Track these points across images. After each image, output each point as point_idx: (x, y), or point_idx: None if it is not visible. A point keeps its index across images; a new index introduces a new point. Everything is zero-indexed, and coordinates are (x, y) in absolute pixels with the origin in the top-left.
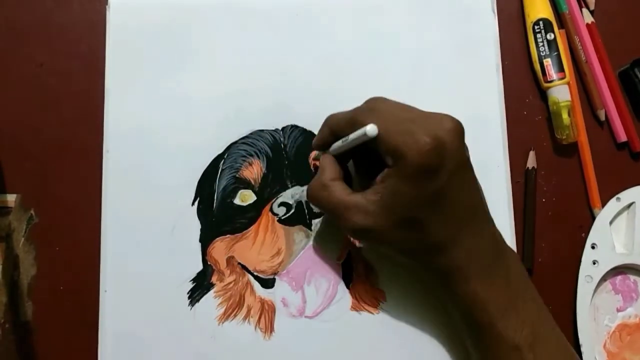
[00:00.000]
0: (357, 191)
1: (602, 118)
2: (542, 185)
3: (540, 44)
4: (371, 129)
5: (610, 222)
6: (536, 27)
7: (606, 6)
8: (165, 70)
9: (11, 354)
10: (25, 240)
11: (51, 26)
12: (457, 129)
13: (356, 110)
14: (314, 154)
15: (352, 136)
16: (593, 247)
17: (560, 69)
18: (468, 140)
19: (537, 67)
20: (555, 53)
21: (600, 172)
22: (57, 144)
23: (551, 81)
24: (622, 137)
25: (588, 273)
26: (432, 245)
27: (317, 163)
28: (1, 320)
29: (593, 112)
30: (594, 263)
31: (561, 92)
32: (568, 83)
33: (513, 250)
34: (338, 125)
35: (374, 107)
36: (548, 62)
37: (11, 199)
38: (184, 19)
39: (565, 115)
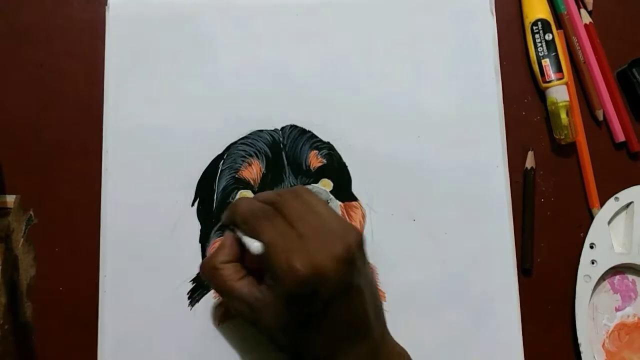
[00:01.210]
0: (247, 278)
1: (600, 118)
2: (541, 185)
3: (539, 44)
4: (255, 248)
5: (609, 222)
6: (534, 27)
7: (604, 7)
8: (164, 70)
9: (11, 355)
10: (24, 241)
11: (51, 26)
12: (345, 256)
13: (256, 210)
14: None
15: (243, 238)
16: (592, 247)
17: (559, 69)
18: (468, 141)
19: (536, 67)
20: (554, 53)
21: (598, 172)
22: (57, 144)
23: (549, 81)
24: (620, 137)
25: (587, 273)
26: (309, 357)
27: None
28: (0, 320)
29: (591, 112)
30: (593, 263)
31: (559, 93)
32: (566, 83)
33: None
34: (237, 218)
35: (273, 213)
36: (546, 62)
37: (10, 199)
38: (183, 19)
39: (563, 116)
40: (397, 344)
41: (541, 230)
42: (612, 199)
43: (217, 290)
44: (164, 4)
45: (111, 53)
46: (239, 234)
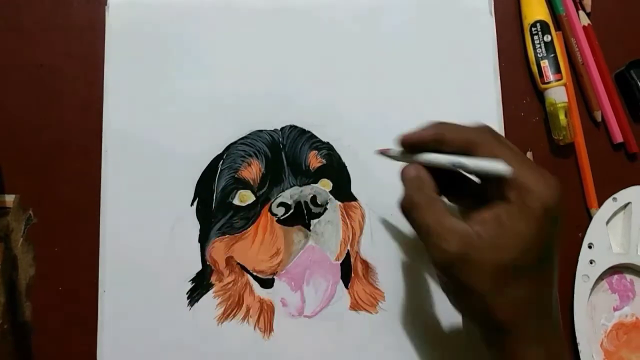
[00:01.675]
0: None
1: (599, 119)
2: None
3: (537, 45)
4: (505, 169)
5: (607, 222)
6: (533, 29)
7: (602, 8)
8: (164, 71)
9: (10, 355)
10: (23, 241)
11: (51, 26)
12: (560, 192)
13: (475, 132)
14: (384, 150)
15: (472, 163)
16: (590, 247)
17: (557, 70)
18: None
19: (534, 68)
20: (552, 55)
21: (596, 172)
22: (57, 144)
23: (548, 82)
24: (619, 138)
25: (585, 272)
26: (515, 301)
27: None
28: (0, 320)
29: (590, 113)
30: (591, 262)
31: (558, 94)
32: (565, 84)
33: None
34: (449, 137)
35: (497, 138)
36: (545, 63)
37: (10, 199)
38: (183, 19)
39: (562, 117)
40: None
41: None
42: (610, 200)
43: (424, 229)
44: (164, 5)
45: (111, 53)
46: (456, 162)
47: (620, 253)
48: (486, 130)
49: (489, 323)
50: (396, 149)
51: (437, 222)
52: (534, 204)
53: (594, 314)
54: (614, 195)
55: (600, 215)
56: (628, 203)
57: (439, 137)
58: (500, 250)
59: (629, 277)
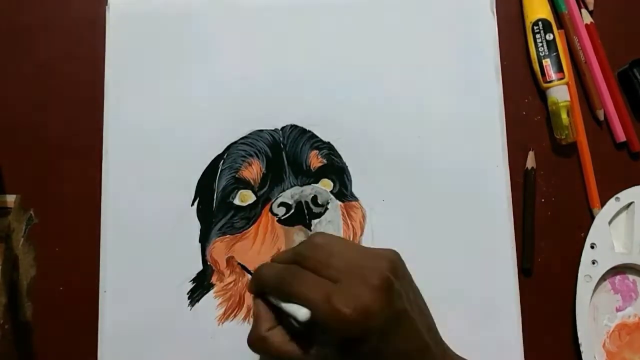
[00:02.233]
0: (294, 341)
1: (601, 118)
2: (542, 185)
3: (540, 44)
4: (303, 315)
5: (610, 222)
6: (535, 27)
7: (605, 7)
8: (165, 70)
9: (10, 355)
10: (24, 241)
11: (51, 26)
12: (383, 285)
13: (280, 274)
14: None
15: (285, 307)
16: (592, 247)
17: (560, 69)
18: (468, 141)
19: (537, 67)
20: (555, 53)
21: (599, 172)
22: (57, 144)
23: (550, 81)
24: (621, 137)
25: (587, 273)
26: None
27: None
28: (0, 320)
29: (592, 112)
30: (593, 263)
31: (560, 92)
32: (567, 83)
33: None
34: (264, 288)
35: (298, 268)
36: (547, 62)
37: (10, 199)
38: (183, 19)
39: (564, 116)
40: (457, 355)
41: (541, 230)
42: (612, 199)
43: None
44: (164, 4)
45: (111, 53)
46: (275, 302)
47: (623, 253)
48: (293, 262)
49: None
50: None
51: (279, 350)
52: (330, 335)
53: (596, 315)
54: (617, 195)
55: (603, 215)
56: (631, 203)
57: (257, 288)
58: None
59: (631, 277)
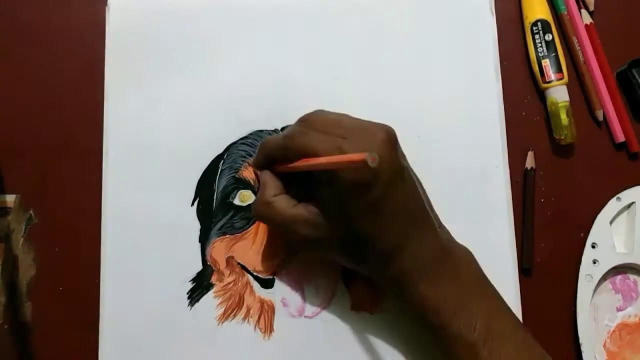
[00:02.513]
0: (300, 203)
1: (600, 118)
2: (541, 185)
3: (539, 44)
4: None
5: (611, 222)
6: (534, 28)
7: (605, 7)
8: (164, 71)
9: (10, 355)
10: (24, 241)
11: (51, 26)
12: (389, 140)
13: (288, 135)
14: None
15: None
16: (593, 247)
17: (559, 69)
18: (468, 141)
19: (536, 67)
20: (554, 54)
21: (598, 172)
22: (57, 144)
23: (549, 82)
24: (620, 137)
25: (588, 272)
26: (377, 255)
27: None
28: (0, 320)
29: (591, 112)
30: (594, 262)
31: (559, 93)
32: (566, 84)
33: (465, 248)
34: (272, 152)
35: (304, 129)
36: (546, 62)
37: (10, 199)
38: (183, 20)
39: (563, 116)
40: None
41: (541, 230)
42: (614, 199)
43: (275, 224)
44: (164, 4)
45: (111, 53)
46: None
47: (624, 253)
48: (299, 123)
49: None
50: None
51: (283, 214)
52: (337, 183)
53: (597, 315)
54: (618, 195)
55: (604, 214)
56: (632, 203)
57: (265, 156)
58: (333, 223)
59: (632, 277)
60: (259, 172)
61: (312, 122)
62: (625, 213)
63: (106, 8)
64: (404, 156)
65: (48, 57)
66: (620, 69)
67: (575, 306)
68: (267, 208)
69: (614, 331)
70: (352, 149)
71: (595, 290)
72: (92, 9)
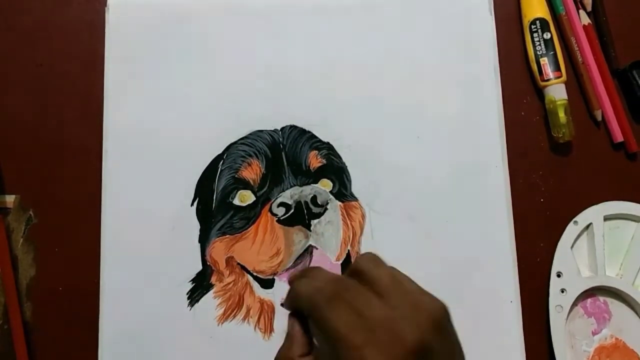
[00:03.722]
0: None
1: (599, 118)
2: (540, 185)
3: (537, 43)
4: None
5: (572, 247)
6: (533, 26)
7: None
8: (164, 71)
9: (10, 355)
10: (24, 241)
11: (51, 26)
12: (418, 348)
13: (308, 297)
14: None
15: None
16: (559, 276)
17: (557, 68)
18: (467, 141)
19: (534, 66)
20: (552, 52)
21: (596, 172)
22: (57, 144)
23: (548, 80)
24: (619, 137)
25: (558, 303)
26: None
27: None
28: (0, 320)
29: (590, 112)
30: (562, 291)
31: (557, 91)
32: (564, 82)
33: None
34: (301, 306)
35: (340, 301)
36: (545, 61)
37: (10, 199)
38: (183, 20)
39: (561, 114)
40: None
41: (541, 230)
42: (571, 224)
43: None
44: (164, 5)
45: (111, 53)
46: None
47: (590, 276)
48: (324, 291)
49: None
50: None
51: None
52: None
53: (574, 342)
54: (575, 219)
55: (564, 241)
56: (589, 224)
57: (292, 307)
58: None
59: (602, 298)
60: (289, 318)
61: (353, 295)
62: (584, 235)
63: (106, 8)
64: (443, 339)
65: (48, 57)
66: (621, 70)
67: (550, 337)
68: None
69: (592, 356)
70: (374, 349)
71: (567, 318)
72: (91, 10)
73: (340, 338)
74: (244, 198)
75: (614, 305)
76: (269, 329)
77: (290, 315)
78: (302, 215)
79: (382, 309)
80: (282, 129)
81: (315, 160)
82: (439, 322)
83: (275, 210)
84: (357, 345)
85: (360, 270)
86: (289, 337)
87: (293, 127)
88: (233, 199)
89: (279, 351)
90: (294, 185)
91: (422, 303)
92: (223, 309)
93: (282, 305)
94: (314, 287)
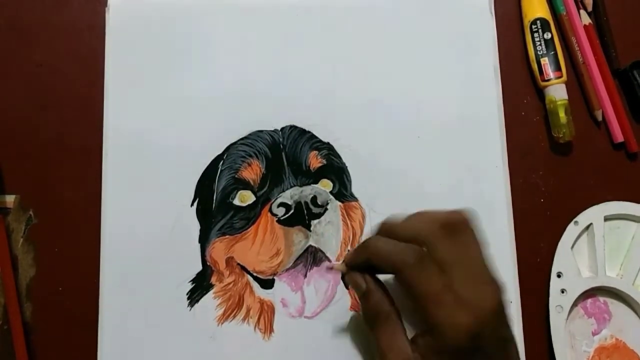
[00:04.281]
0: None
1: (600, 118)
2: (541, 185)
3: (538, 43)
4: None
5: (572, 247)
6: (533, 26)
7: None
8: (164, 71)
9: (10, 355)
10: (24, 241)
11: (51, 26)
12: (499, 309)
13: (402, 255)
14: (335, 264)
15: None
16: (559, 276)
17: (557, 68)
18: (467, 141)
19: (535, 66)
20: (553, 52)
21: (596, 172)
22: (57, 144)
23: (548, 80)
24: (619, 137)
25: (558, 303)
26: None
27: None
28: (0, 321)
29: (590, 112)
30: (563, 292)
31: (558, 91)
32: (565, 82)
33: None
34: (380, 260)
35: (421, 261)
36: (545, 61)
37: (10, 199)
38: (183, 20)
39: (562, 114)
40: None
41: (541, 230)
42: (571, 224)
43: (381, 346)
44: (164, 5)
45: (111, 53)
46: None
47: (590, 277)
48: (416, 250)
49: None
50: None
51: (387, 341)
52: (440, 341)
53: (574, 342)
54: (575, 219)
55: (564, 241)
56: (590, 224)
57: (369, 259)
58: None
59: (602, 299)
60: (357, 276)
61: (437, 250)
62: (584, 236)
63: (106, 8)
64: (508, 326)
65: (48, 57)
66: (621, 69)
67: (550, 337)
68: (385, 324)
69: (593, 356)
70: (462, 311)
71: (567, 318)
72: (91, 10)
73: (430, 296)
74: (244, 198)
75: (614, 305)
76: (269, 329)
77: (355, 273)
78: (302, 216)
79: (467, 269)
80: (282, 129)
81: (315, 160)
82: (504, 296)
83: (275, 210)
84: (447, 303)
85: (452, 225)
86: (372, 292)
87: (293, 127)
88: (233, 199)
89: (368, 307)
90: (294, 186)
91: (494, 276)
92: (223, 309)
93: (329, 268)
94: (401, 248)
